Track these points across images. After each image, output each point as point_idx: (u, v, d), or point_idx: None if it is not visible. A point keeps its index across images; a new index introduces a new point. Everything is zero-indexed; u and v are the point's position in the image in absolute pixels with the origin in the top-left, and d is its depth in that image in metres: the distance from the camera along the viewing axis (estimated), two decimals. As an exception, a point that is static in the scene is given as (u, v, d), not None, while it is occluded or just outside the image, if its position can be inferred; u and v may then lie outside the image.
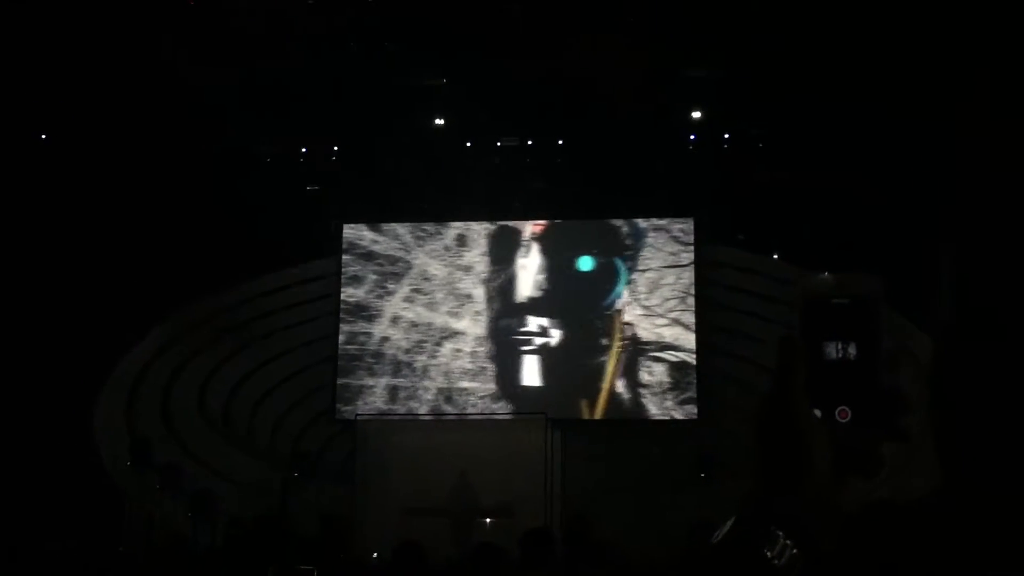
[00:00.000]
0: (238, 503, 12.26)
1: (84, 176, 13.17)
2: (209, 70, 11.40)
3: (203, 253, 13.36)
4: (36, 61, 11.73)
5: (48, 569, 6.95)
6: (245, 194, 13.46)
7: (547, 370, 13.54)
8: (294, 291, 14.40)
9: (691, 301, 13.42)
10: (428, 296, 13.89)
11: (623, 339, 13.38)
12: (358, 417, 13.41)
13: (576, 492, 12.25)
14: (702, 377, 13.26)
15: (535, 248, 13.73)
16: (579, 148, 13.72)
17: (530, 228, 13.84)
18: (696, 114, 13.68)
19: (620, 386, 13.39)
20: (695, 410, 13.22)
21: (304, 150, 14.31)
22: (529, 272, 13.67)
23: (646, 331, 13.44)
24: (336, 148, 14.31)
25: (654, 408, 13.31)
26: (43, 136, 13.65)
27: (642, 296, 13.54)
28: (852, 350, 1.12)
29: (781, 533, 1.04)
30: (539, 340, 13.59)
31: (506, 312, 13.69)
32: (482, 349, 13.66)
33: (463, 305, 13.80)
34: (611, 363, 13.28)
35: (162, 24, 11.44)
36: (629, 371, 13.36)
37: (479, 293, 13.79)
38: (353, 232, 14.16)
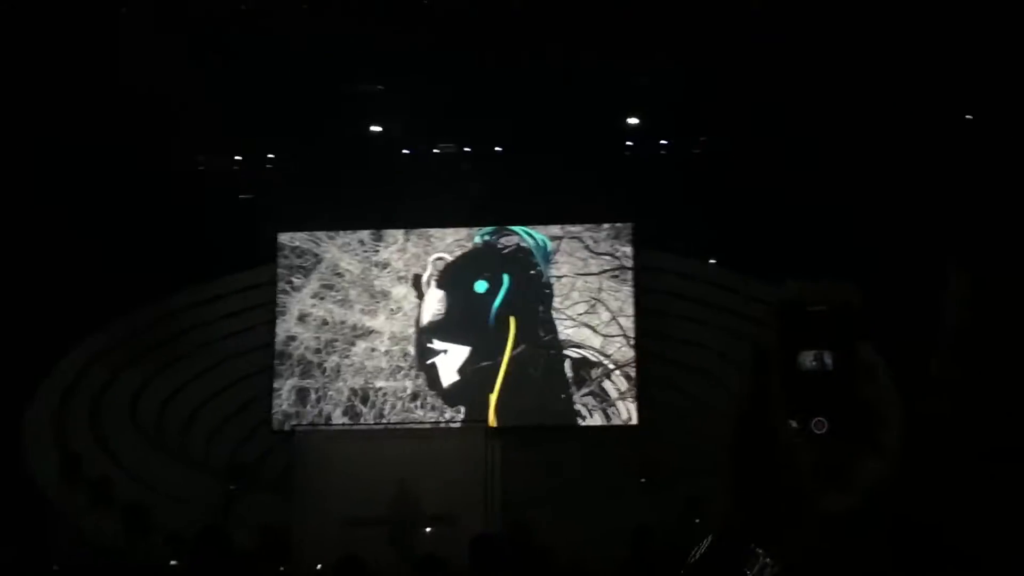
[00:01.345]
0: (174, 517, 12.04)
1: (27, 182, 12.87)
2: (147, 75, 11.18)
3: (137, 262, 13.12)
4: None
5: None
6: (182, 202, 13.22)
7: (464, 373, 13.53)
8: (230, 300, 14.21)
9: (628, 307, 13.44)
10: (340, 293, 13.80)
11: (533, 345, 13.39)
12: (295, 428, 13.26)
13: (517, 499, 12.20)
14: (642, 383, 13.29)
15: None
16: (517, 153, 13.68)
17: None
18: (633, 120, 13.72)
19: (556, 393, 13.39)
20: (635, 416, 13.24)
21: (239, 158, 14.11)
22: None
23: (576, 336, 13.43)
24: (271, 156, 14.14)
25: (594, 415, 13.31)
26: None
27: (570, 303, 13.53)
28: (828, 359, 1.08)
29: (761, 551, 1.00)
30: (448, 348, 13.59)
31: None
32: (397, 348, 13.60)
33: (378, 303, 13.74)
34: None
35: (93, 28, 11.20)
36: (561, 378, 13.37)
37: (397, 292, 13.74)
38: (288, 239, 14.05)
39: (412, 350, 13.66)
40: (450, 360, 13.56)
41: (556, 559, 9.29)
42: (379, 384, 13.59)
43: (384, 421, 13.44)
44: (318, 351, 13.74)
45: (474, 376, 13.47)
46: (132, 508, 12.37)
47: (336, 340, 13.75)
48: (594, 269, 13.57)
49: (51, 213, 12.85)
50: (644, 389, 13.29)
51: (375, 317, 13.77)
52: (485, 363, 13.49)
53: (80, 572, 9.66)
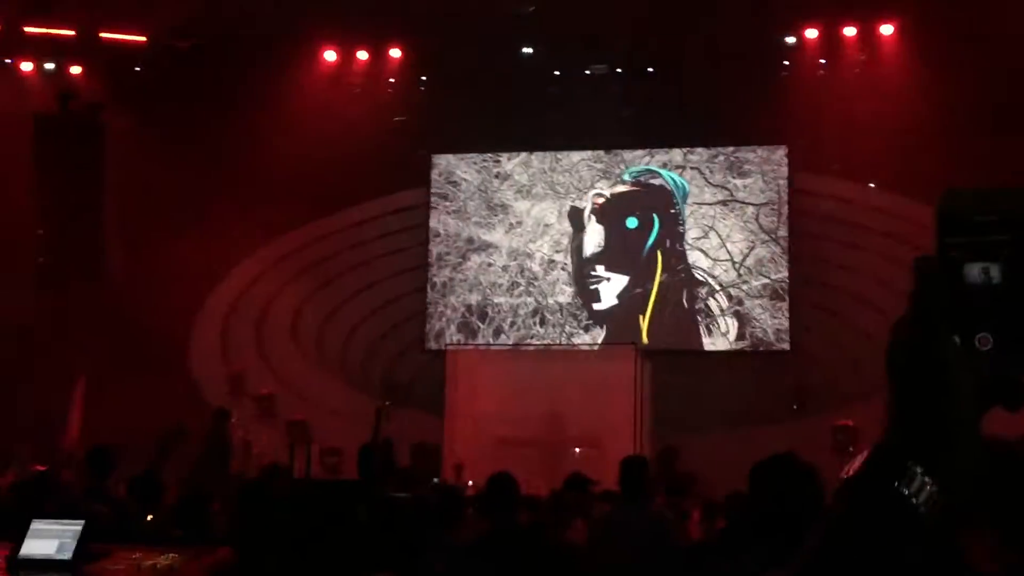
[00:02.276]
0: (332, 432, 12.50)
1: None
2: None
3: (295, 185, 13.48)
4: None
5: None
6: (335, 124, 13.47)
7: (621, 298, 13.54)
8: (384, 221, 14.47)
9: (784, 231, 13.19)
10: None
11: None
12: (447, 347, 13.51)
13: (666, 423, 12.20)
14: (795, 308, 13.05)
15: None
16: (669, 76, 13.43)
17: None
18: (790, 39, 13.32)
19: (704, 321, 13.30)
20: (788, 341, 13.04)
21: (392, 81, 14.24)
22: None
23: (726, 264, 13.26)
24: (424, 79, 14.22)
25: (743, 339, 13.17)
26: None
27: (727, 226, 13.35)
28: (995, 273, 1.03)
29: (920, 469, 0.97)
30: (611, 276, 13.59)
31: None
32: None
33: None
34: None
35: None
36: (707, 307, 13.26)
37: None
38: (442, 162, 14.22)
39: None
40: (611, 287, 13.62)
41: (699, 485, 9.30)
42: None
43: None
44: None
45: (630, 302, 13.50)
46: (294, 423, 12.96)
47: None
48: (746, 194, 13.37)
49: (211, 137, 13.31)
50: (797, 315, 13.04)
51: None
52: (637, 290, 13.50)
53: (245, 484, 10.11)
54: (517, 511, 5.52)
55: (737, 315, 13.25)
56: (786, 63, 13.38)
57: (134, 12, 13.04)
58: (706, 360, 13.21)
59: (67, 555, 4.46)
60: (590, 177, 13.89)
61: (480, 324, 13.84)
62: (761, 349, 13.13)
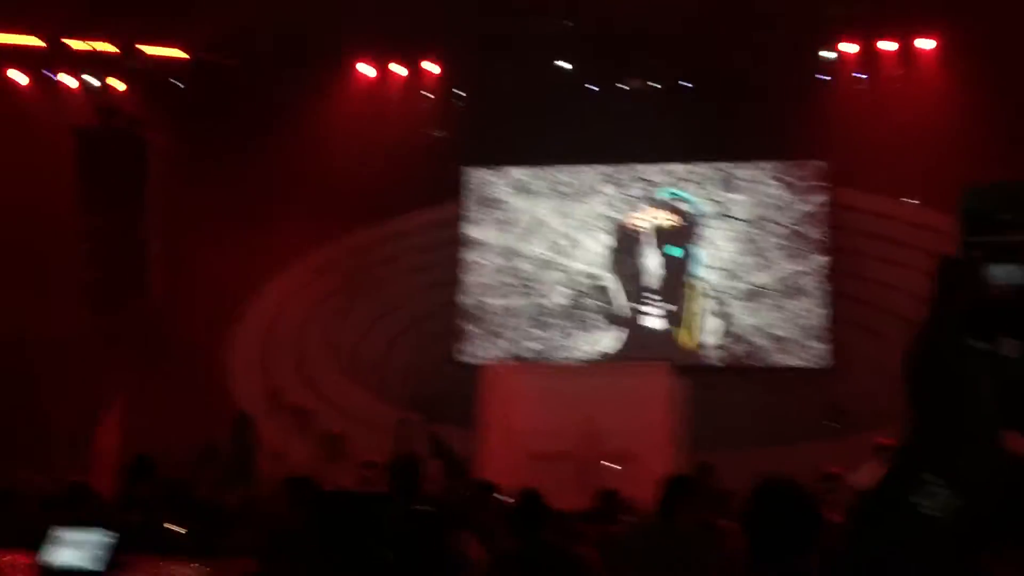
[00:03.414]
0: (366, 445, 12.49)
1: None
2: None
3: (331, 198, 13.53)
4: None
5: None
6: (372, 139, 13.53)
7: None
8: (417, 235, 14.50)
9: (821, 246, 13.09)
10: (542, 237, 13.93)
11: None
12: (482, 362, 13.49)
13: (702, 440, 12.08)
14: (835, 325, 12.92)
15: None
16: (706, 90, 13.36)
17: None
18: (830, 54, 13.22)
19: (742, 333, 13.23)
20: (827, 359, 12.91)
21: (429, 95, 14.29)
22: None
23: (766, 277, 13.17)
24: (461, 93, 14.24)
25: (784, 356, 13.05)
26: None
27: (767, 240, 13.28)
28: (1018, 273, 0.97)
29: (936, 479, 0.92)
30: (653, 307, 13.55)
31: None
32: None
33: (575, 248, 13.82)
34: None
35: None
36: (742, 319, 13.20)
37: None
38: (476, 176, 14.25)
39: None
40: (657, 309, 13.64)
41: (737, 503, 9.18)
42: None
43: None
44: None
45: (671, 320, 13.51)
46: (329, 436, 12.98)
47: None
48: (784, 209, 13.30)
49: (250, 151, 13.40)
50: (837, 332, 12.90)
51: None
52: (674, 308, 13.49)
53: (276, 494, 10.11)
54: (546, 527, 5.46)
55: (772, 335, 13.15)
56: (826, 78, 13.28)
57: (176, 28, 13.18)
58: (740, 377, 13.10)
59: (95, 565, 4.46)
60: (625, 191, 13.86)
61: (513, 335, 13.84)
62: (800, 366, 13.00)
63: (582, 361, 13.49)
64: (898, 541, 0.89)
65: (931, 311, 0.98)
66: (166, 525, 5.45)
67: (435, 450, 9.12)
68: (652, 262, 13.75)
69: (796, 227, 13.25)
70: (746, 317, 13.26)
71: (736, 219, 13.44)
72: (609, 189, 13.90)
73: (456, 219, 14.25)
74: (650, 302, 13.65)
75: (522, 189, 14.15)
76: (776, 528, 3.27)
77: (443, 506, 6.11)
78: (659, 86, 13.75)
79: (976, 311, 0.96)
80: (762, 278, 13.27)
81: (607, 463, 11.85)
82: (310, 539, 3.92)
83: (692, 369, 12.85)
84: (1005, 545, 1.13)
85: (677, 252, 13.68)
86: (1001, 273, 0.96)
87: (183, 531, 5.53)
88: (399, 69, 14.18)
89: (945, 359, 0.95)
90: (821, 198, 13.22)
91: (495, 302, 13.96)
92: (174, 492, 6.31)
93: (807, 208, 13.24)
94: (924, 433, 0.94)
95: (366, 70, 14.13)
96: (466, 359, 13.82)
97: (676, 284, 13.59)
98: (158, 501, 6.07)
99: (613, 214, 13.87)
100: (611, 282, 13.76)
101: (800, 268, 13.13)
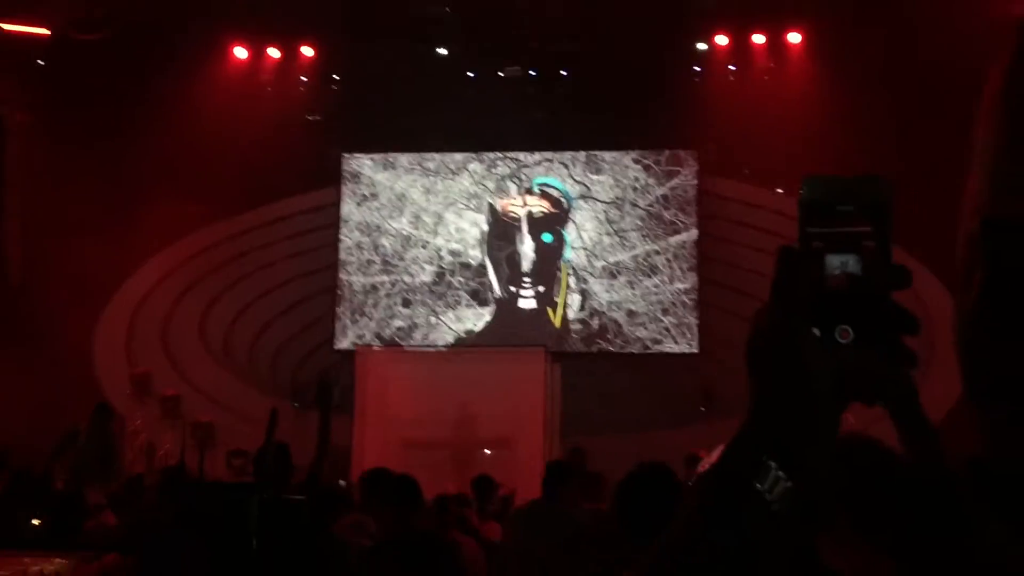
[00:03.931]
0: (237, 434, 12.28)
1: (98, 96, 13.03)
2: None
3: (205, 183, 13.26)
4: None
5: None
6: (246, 123, 13.28)
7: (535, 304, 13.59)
8: (294, 221, 14.32)
9: (692, 234, 13.38)
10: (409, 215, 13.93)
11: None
12: (356, 347, 13.41)
13: (574, 425, 12.23)
14: (703, 311, 13.22)
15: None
16: (581, 79, 13.51)
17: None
18: (702, 45, 13.52)
19: (618, 317, 13.46)
20: (696, 344, 13.21)
21: (305, 79, 14.10)
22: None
23: (640, 265, 13.41)
24: (337, 78, 14.10)
25: (653, 341, 13.30)
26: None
27: (633, 228, 13.52)
28: (854, 264, 1.01)
29: (774, 464, 0.95)
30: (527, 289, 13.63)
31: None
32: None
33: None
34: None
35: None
36: (602, 296, 13.48)
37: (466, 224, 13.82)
38: (353, 162, 14.13)
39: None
40: (530, 293, 13.77)
41: (609, 486, 9.33)
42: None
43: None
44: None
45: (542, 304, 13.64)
46: (199, 424, 12.70)
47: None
48: (649, 197, 13.55)
49: (118, 134, 13.02)
50: (705, 318, 13.21)
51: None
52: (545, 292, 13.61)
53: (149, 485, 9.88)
54: (419, 515, 5.47)
55: (640, 317, 13.41)
56: (697, 69, 13.57)
57: (37, 3, 12.71)
58: (612, 362, 13.32)
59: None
60: (499, 179, 13.95)
61: (392, 323, 13.79)
62: (668, 351, 13.28)
63: (453, 343, 13.53)
64: (735, 524, 0.91)
65: (771, 299, 1.00)
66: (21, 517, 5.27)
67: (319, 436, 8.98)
68: (526, 247, 13.87)
69: (661, 213, 13.55)
70: (605, 294, 13.53)
71: (599, 203, 13.69)
72: (479, 170, 13.98)
73: (332, 205, 14.11)
74: (523, 285, 13.77)
75: (398, 174, 14.10)
76: (648, 511, 3.34)
77: (321, 494, 6.06)
78: (534, 73, 13.83)
79: (814, 300, 0.99)
80: (621, 256, 13.55)
81: (485, 450, 11.92)
82: (181, 530, 3.84)
83: (566, 355, 13.00)
84: (838, 529, 1.17)
85: (548, 238, 13.84)
86: (838, 263, 1.00)
87: (38, 523, 5.36)
88: (274, 52, 13.95)
89: (784, 345, 0.97)
90: (689, 186, 13.51)
91: (363, 281, 13.89)
92: (29, 483, 6.10)
93: (676, 195, 13.54)
94: (764, 417, 0.97)
95: (240, 52, 13.86)
96: (343, 345, 13.72)
97: (550, 268, 13.73)
98: (13, 493, 5.86)
99: (487, 198, 13.92)
100: (484, 264, 13.82)
101: (655, 247, 13.46)
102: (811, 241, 1.02)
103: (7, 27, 13.16)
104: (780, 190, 13.33)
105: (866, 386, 1.00)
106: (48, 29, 13.27)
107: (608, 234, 13.69)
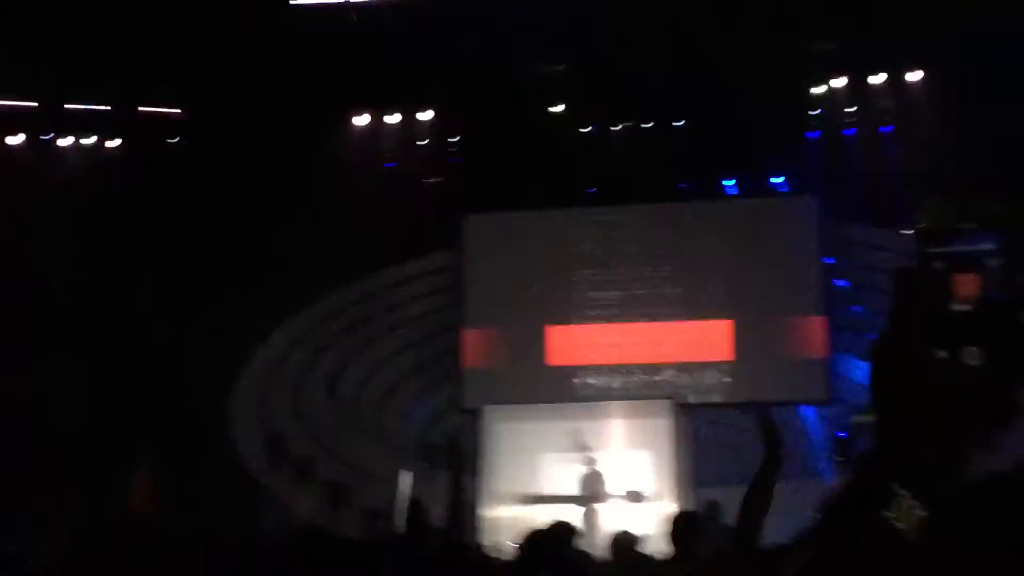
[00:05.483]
0: (371, 494, 12.41)
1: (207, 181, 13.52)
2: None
3: (325, 250, 13.55)
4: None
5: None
6: (365, 189, 13.59)
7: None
8: (417, 283, 14.50)
9: (817, 280, 13.09)
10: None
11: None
12: (485, 407, 13.41)
13: (706, 478, 12.01)
14: (833, 358, 12.88)
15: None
16: (699, 128, 13.46)
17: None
18: (818, 90, 13.36)
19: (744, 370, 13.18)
20: (826, 394, 12.86)
21: (425, 142, 14.38)
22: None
23: (765, 316, 13.15)
24: (457, 139, 14.33)
25: (780, 392, 12.98)
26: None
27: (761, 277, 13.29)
28: (981, 284, 0.98)
29: (905, 492, 0.92)
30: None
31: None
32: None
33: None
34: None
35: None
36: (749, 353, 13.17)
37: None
38: (474, 222, 14.24)
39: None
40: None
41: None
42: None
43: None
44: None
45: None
46: (334, 485, 12.90)
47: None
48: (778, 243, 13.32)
49: (248, 202, 13.45)
50: (834, 364, 12.87)
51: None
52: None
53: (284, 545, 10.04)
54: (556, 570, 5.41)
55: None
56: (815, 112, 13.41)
57: (172, 85, 13.30)
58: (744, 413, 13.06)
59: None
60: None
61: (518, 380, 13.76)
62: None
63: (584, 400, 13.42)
64: (866, 552, 0.89)
65: (892, 322, 0.98)
66: None
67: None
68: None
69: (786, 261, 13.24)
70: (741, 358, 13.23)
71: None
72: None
73: (455, 266, 14.18)
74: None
75: (508, 226, 14.13)
76: None
77: (455, 549, 6.06)
78: (651, 125, 13.84)
79: (938, 321, 0.97)
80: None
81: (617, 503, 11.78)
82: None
83: (694, 407, 12.82)
84: (979, 558, 1.13)
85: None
86: (964, 284, 0.97)
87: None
88: (394, 118, 14.30)
89: (907, 371, 0.95)
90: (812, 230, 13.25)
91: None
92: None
93: (802, 242, 13.28)
94: (891, 444, 0.95)
95: (361, 119, 14.25)
96: (470, 404, 13.74)
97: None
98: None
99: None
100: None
101: (790, 301, 13.15)
102: (932, 262, 1.00)
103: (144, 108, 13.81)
104: (907, 231, 12.99)
105: (999, 409, 0.97)
106: (181, 109, 13.86)
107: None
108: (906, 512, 0.92)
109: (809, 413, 12.99)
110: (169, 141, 14.11)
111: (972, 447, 0.98)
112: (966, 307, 0.98)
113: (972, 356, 0.98)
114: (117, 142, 14.39)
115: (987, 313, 0.98)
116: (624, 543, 8.45)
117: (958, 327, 0.99)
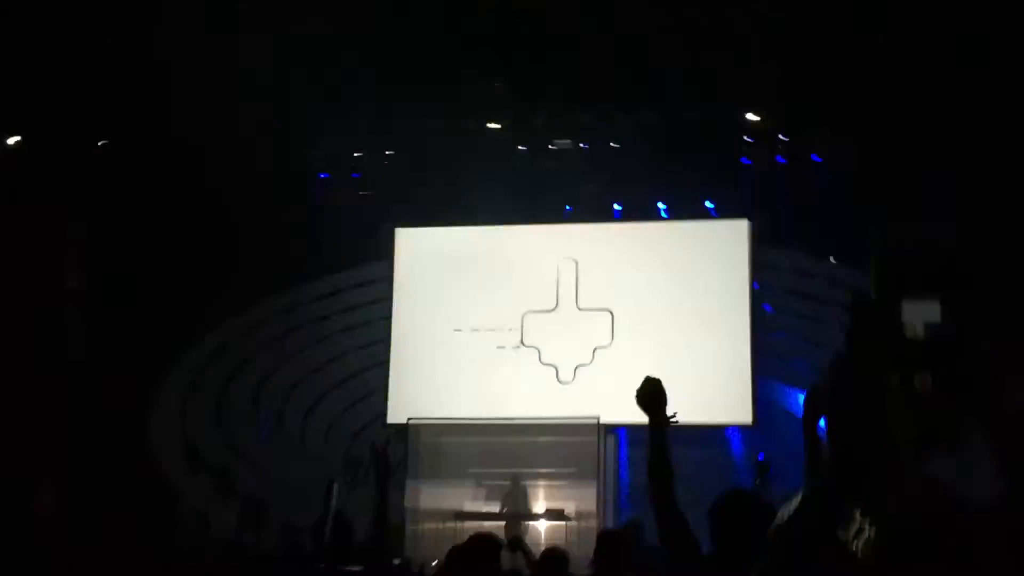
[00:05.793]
0: (290, 508, 12.25)
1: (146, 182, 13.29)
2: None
3: (256, 259, 13.41)
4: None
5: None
6: (299, 200, 13.49)
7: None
8: (347, 295, 14.43)
9: (743, 305, 13.20)
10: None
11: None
12: (410, 421, 13.33)
13: (630, 497, 12.10)
14: (757, 382, 13.03)
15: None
16: (633, 150, 13.57)
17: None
18: (753, 116, 13.52)
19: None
20: (749, 416, 12.98)
21: (358, 155, 14.31)
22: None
23: (692, 338, 13.23)
24: (389, 153, 14.29)
25: (706, 414, 13.07)
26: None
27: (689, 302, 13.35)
28: (935, 313, 0.99)
29: (858, 512, 0.92)
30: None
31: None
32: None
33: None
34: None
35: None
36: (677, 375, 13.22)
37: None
38: (405, 235, 14.17)
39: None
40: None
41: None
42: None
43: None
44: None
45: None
46: (249, 500, 12.71)
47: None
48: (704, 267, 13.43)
49: (173, 208, 13.24)
50: (758, 389, 13.02)
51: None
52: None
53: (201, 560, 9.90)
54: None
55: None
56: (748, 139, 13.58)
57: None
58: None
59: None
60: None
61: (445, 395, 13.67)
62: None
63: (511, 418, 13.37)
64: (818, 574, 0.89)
65: (845, 348, 0.99)
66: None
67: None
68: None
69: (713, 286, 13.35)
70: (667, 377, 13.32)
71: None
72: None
73: (386, 279, 14.09)
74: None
75: (441, 241, 14.07)
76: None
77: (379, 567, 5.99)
78: (586, 145, 13.93)
79: (892, 348, 0.97)
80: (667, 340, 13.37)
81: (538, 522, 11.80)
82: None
83: (620, 427, 12.86)
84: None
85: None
86: (914, 312, 0.98)
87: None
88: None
89: (862, 395, 0.96)
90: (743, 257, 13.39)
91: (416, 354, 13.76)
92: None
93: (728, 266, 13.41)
94: (844, 467, 0.95)
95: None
96: (395, 419, 13.65)
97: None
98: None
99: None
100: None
101: (716, 326, 13.27)
102: (886, 287, 1.01)
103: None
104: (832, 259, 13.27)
105: (948, 434, 0.98)
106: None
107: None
108: (859, 535, 0.93)
109: (734, 436, 13.14)
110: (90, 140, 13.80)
111: (924, 471, 0.99)
112: (919, 335, 0.99)
113: (924, 383, 0.99)
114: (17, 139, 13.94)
115: (938, 341, 0.99)
116: (554, 558, 8.45)
117: (911, 354, 1.00)
